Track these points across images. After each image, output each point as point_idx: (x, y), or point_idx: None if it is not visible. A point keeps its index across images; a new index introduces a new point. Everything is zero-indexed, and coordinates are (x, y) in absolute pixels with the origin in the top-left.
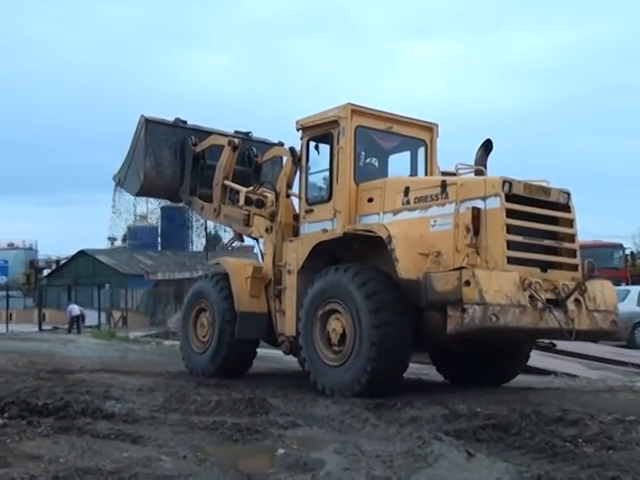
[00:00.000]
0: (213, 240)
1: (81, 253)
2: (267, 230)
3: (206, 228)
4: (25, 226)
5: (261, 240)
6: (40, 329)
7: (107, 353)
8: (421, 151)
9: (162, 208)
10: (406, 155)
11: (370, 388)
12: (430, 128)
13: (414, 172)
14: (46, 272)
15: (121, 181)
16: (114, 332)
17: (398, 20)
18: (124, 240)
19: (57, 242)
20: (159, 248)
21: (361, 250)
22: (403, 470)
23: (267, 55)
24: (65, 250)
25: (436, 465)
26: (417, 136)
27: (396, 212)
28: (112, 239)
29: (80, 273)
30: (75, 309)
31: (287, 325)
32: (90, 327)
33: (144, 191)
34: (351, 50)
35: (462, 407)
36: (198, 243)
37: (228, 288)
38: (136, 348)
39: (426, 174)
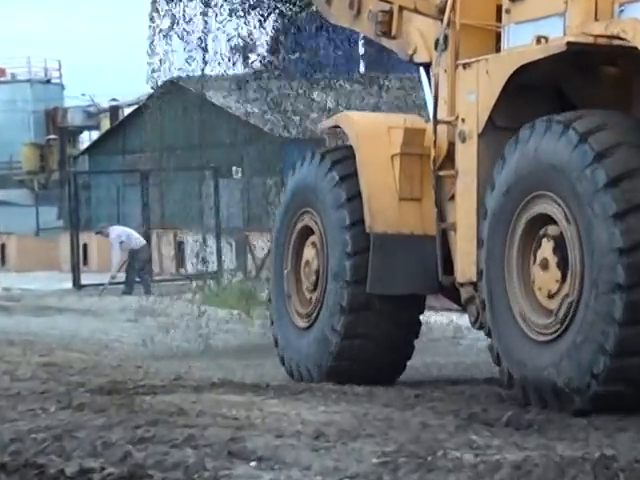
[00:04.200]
0: None
1: (173, 87)
2: (436, 45)
3: None
4: (35, 37)
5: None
6: (77, 284)
7: (238, 340)
8: None
9: None
10: None
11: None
12: None
13: None
14: (86, 140)
15: None
16: (252, 289)
17: None
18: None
19: (108, 68)
20: (362, 70)
21: (619, 82)
22: None
23: None
24: (127, 86)
25: None
26: None
27: None
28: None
29: (169, 139)
30: (130, 236)
31: (460, 256)
32: (199, 277)
33: None
34: None
35: None
36: None
37: (355, 181)
38: None
39: None
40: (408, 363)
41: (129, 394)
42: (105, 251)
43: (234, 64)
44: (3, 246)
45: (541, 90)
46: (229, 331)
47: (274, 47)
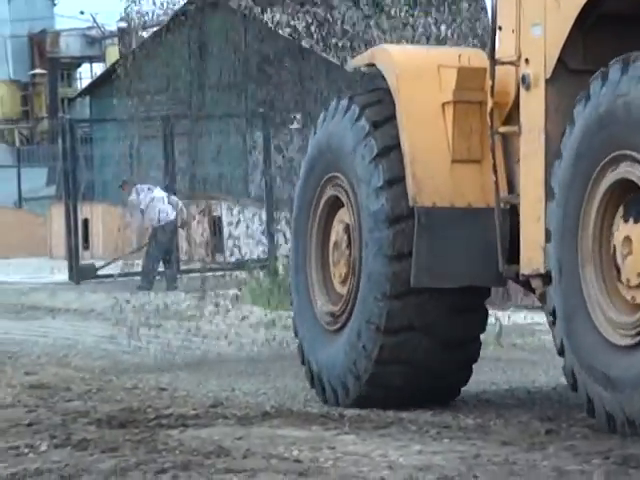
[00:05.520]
0: None
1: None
2: None
3: None
4: None
5: None
6: (75, 275)
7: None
8: None
9: None
10: None
11: None
12: None
13: None
14: (86, 76)
15: None
16: None
17: None
18: None
19: None
20: None
21: None
22: None
23: None
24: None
25: None
26: None
27: None
28: None
29: (201, 75)
30: (154, 205)
31: (524, 239)
32: (243, 266)
33: None
34: None
35: None
36: None
37: (392, 128)
38: None
39: None
40: (533, 385)
41: (149, 427)
42: (114, 229)
43: None
44: None
45: (629, 20)
46: (286, 341)
47: None
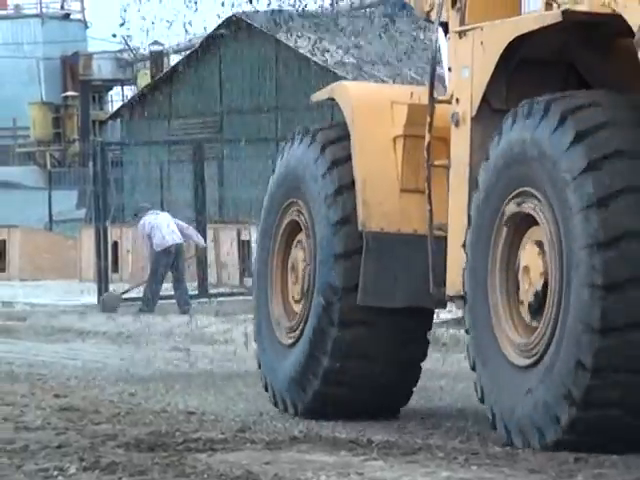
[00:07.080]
0: None
1: (239, 26)
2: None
3: None
4: None
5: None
6: (101, 305)
7: None
8: None
9: None
10: None
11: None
12: None
13: None
14: (117, 99)
15: None
16: None
17: None
18: None
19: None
20: None
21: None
22: None
23: None
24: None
25: None
26: None
27: None
28: None
29: (232, 99)
30: (158, 229)
31: (450, 263)
32: None
33: None
34: None
35: None
36: None
37: (350, 167)
38: None
39: None
40: None
41: (178, 450)
42: (143, 252)
43: None
44: (3, 244)
45: (548, 66)
46: None
47: None
